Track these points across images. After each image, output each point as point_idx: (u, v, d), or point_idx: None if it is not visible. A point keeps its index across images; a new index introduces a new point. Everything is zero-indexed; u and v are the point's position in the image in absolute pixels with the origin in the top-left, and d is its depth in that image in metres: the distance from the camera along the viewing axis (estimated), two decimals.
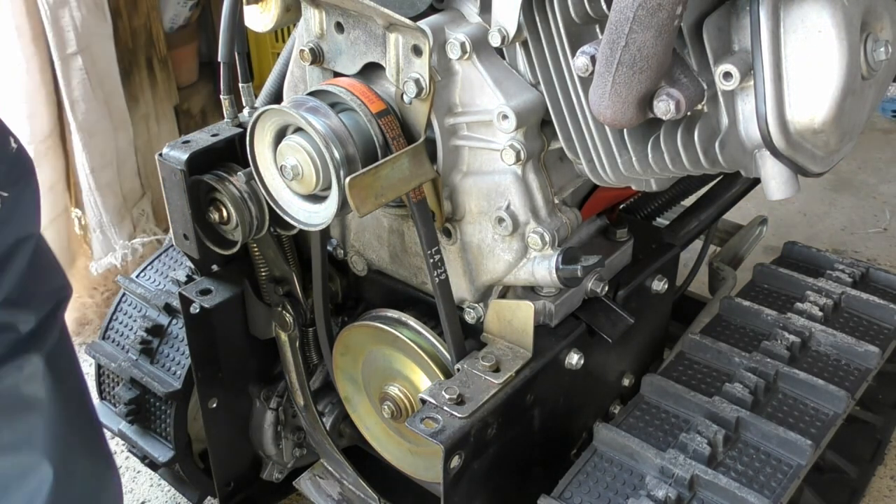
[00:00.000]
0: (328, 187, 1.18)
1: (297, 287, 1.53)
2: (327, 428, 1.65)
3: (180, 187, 1.36)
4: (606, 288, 1.40)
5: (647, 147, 1.15)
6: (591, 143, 1.18)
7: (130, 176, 2.54)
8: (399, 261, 1.43)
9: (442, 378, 1.35)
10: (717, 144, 1.11)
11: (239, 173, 1.35)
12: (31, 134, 2.23)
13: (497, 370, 1.28)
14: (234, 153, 1.41)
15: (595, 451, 1.38)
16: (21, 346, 1.17)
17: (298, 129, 1.17)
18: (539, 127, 1.24)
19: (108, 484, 1.36)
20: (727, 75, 1.02)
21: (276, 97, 1.58)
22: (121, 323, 1.75)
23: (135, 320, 1.72)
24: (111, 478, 1.37)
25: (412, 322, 1.41)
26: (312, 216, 1.21)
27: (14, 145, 1.14)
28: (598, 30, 1.14)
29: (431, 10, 1.24)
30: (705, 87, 1.06)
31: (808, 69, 1.01)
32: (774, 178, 1.09)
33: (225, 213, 1.36)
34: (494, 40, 1.16)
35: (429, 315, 1.40)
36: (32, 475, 1.19)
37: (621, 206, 1.60)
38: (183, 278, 1.63)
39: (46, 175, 2.29)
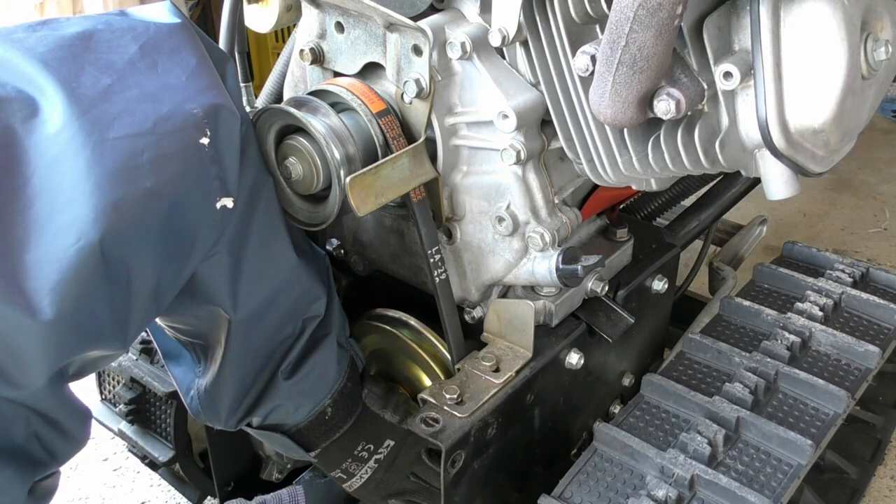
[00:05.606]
0: (328, 187, 1.18)
1: None
2: None
3: None
4: (606, 288, 1.40)
5: (648, 147, 1.15)
6: (592, 143, 1.18)
7: None
8: (399, 261, 1.43)
9: (442, 378, 1.35)
10: (717, 144, 1.11)
11: None
12: None
13: (497, 370, 1.28)
14: None
15: (595, 450, 1.38)
16: None
17: (299, 129, 1.17)
18: (539, 127, 1.24)
19: None
20: (727, 75, 1.02)
21: (277, 97, 1.58)
22: None
23: None
24: None
25: (412, 322, 1.41)
26: (313, 216, 1.21)
27: None
28: (598, 30, 1.14)
29: (431, 9, 1.24)
30: (705, 86, 1.06)
31: (808, 69, 1.01)
32: (774, 178, 1.09)
33: None
34: (495, 40, 1.16)
35: (429, 315, 1.40)
36: None
37: (621, 206, 1.60)
38: None
39: None
